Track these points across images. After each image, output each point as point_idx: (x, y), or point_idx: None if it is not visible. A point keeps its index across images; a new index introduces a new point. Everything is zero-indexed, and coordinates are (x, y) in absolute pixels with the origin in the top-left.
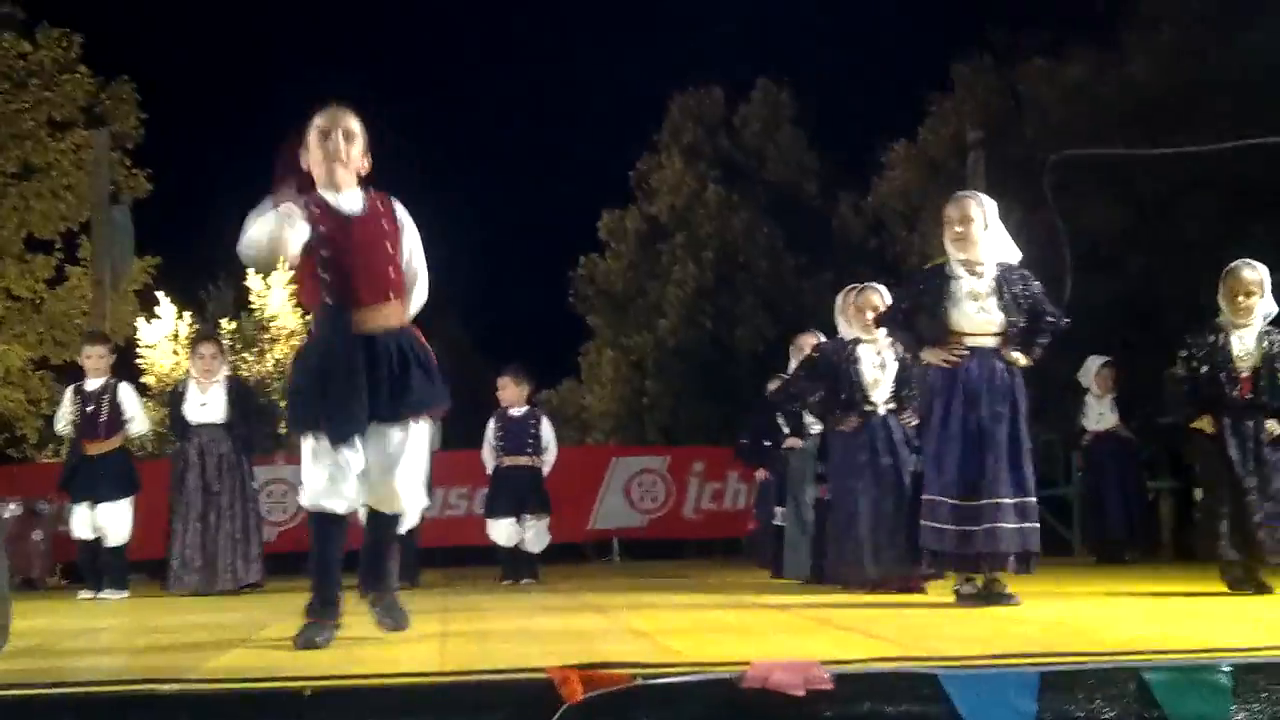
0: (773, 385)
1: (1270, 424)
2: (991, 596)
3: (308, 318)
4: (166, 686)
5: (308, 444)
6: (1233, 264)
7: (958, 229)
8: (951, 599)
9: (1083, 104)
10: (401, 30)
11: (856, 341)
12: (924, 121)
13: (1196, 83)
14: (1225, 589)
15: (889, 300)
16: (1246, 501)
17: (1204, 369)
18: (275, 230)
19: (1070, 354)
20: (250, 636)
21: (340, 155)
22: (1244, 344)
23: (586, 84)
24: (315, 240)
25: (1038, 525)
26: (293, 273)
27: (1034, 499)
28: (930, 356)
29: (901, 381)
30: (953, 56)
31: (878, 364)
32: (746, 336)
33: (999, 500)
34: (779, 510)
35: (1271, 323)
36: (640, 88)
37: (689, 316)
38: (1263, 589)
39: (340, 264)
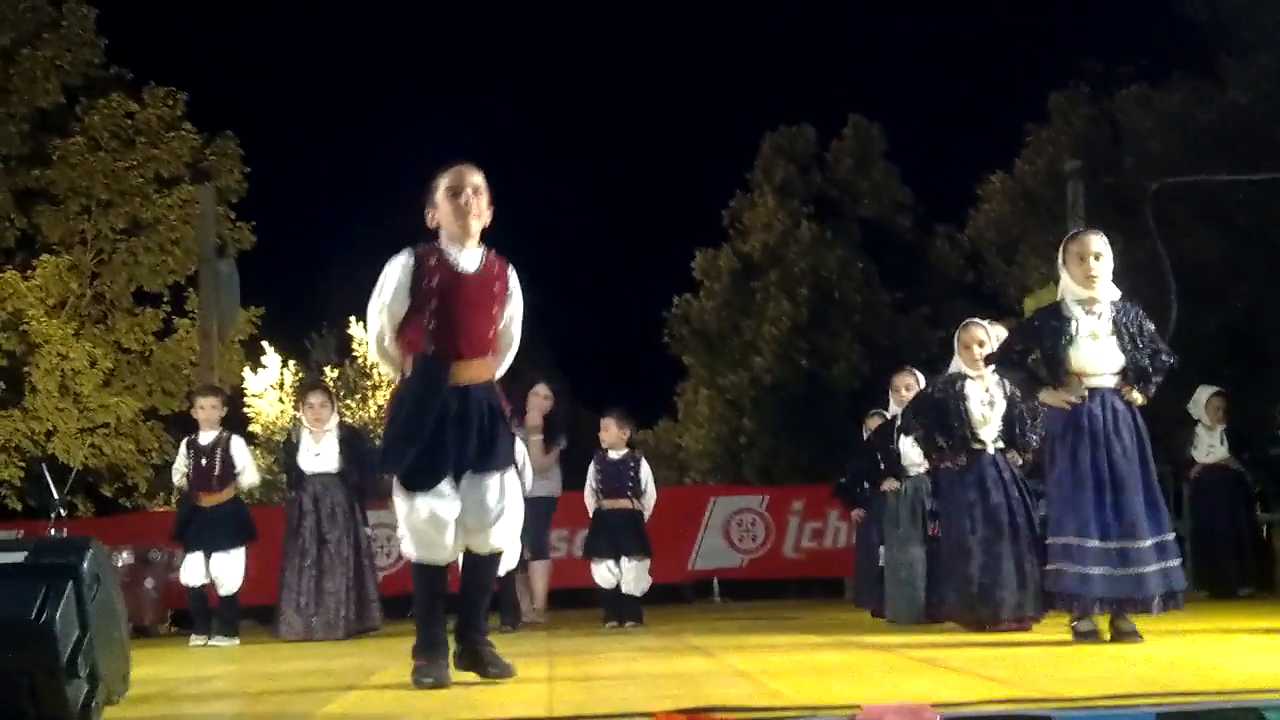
0: (872, 424)
1: None
2: (1117, 635)
3: (406, 366)
4: None
5: (400, 493)
6: None
7: (1091, 267)
8: (1063, 636)
9: (1181, 132)
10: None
11: (964, 378)
12: (1020, 153)
13: None
14: None
15: (993, 335)
16: None
17: None
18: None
19: (1177, 387)
20: (361, 682)
21: (472, 211)
22: None
23: (679, 125)
24: (427, 292)
25: (1179, 562)
26: None
27: (1172, 536)
28: (1050, 399)
29: (1009, 420)
30: (1049, 87)
31: (986, 401)
32: (842, 373)
33: (1140, 543)
34: (881, 551)
35: None
36: (732, 127)
37: (784, 354)
38: None
39: (448, 317)
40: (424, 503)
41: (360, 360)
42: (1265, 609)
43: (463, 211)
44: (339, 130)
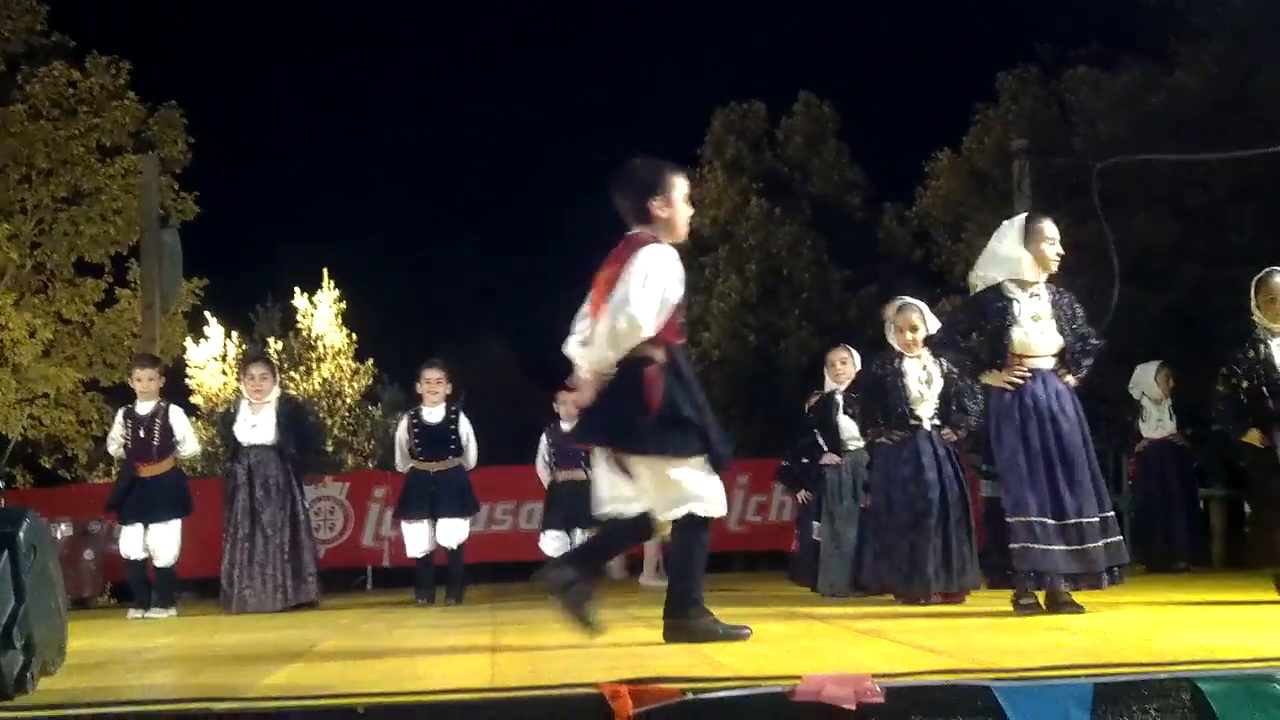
0: (811, 402)
1: None
2: (1058, 606)
3: (648, 352)
4: (221, 705)
5: (702, 465)
6: (1264, 272)
7: (1057, 249)
8: (1003, 608)
9: (1130, 114)
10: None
11: (902, 356)
12: (968, 131)
13: (1245, 92)
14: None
15: (929, 317)
16: None
17: (1246, 384)
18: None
19: (1121, 367)
20: (303, 653)
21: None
22: None
23: (628, 99)
24: (682, 284)
25: (1120, 537)
26: (337, 292)
27: (1112, 513)
28: (993, 380)
29: (945, 398)
30: (998, 67)
31: (923, 379)
32: (791, 350)
33: (1090, 519)
34: (816, 525)
35: None
36: (682, 103)
37: (733, 330)
38: None
39: (683, 310)
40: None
41: (304, 333)
42: (1202, 582)
43: (687, 219)
44: (284, 100)
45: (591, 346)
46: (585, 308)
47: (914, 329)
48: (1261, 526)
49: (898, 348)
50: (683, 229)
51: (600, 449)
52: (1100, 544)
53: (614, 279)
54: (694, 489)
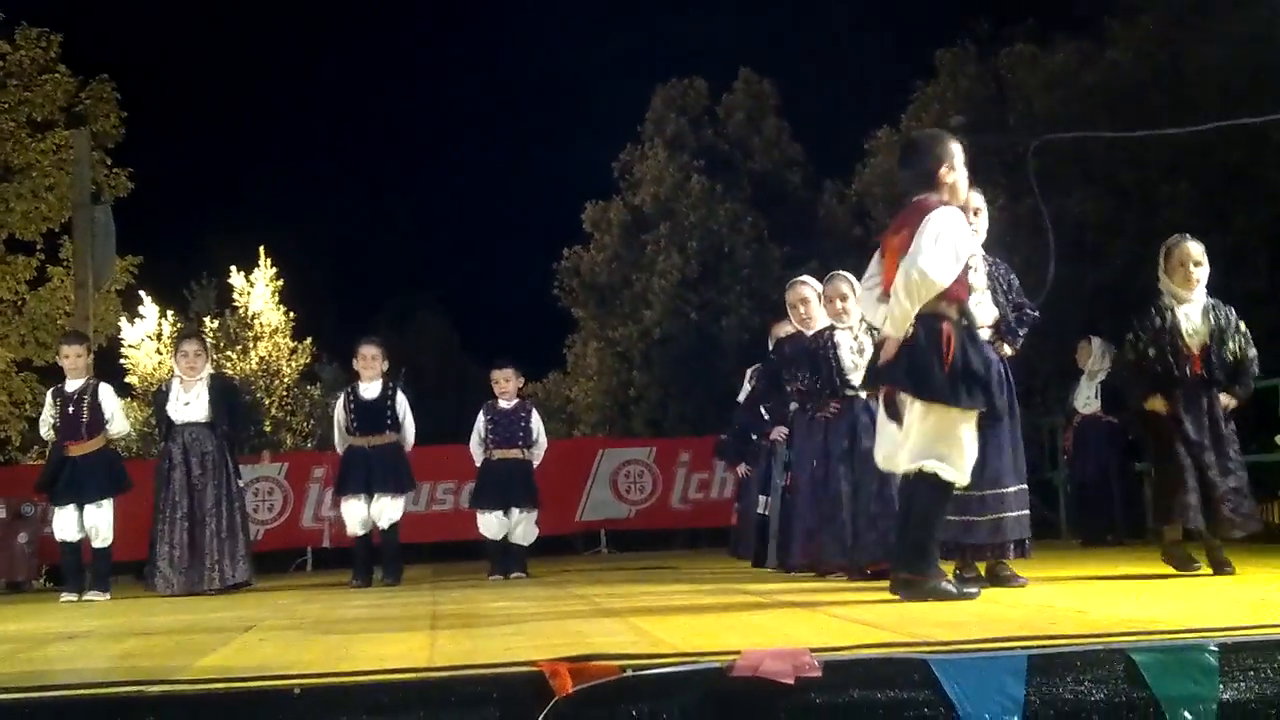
0: (750, 378)
1: (1224, 398)
2: (998, 580)
3: (943, 309)
4: (154, 688)
5: (972, 421)
6: (1175, 237)
7: (974, 220)
8: None
9: (1065, 92)
10: (383, 26)
11: (833, 329)
12: (907, 109)
13: (1178, 71)
14: (1208, 570)
15: (858, 287)
16: (1209, 477)
17: (1152, 350)
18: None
19: (1055, 341)
20: (239, 635)
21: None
22: (1191, 320)
23: (569, 76)
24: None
25: (1028, 511)
26: (275, 270)
27: (1025, 486)
28: None
29: None
30: (936, 44)
31: (856, 349)
32: (732, 327)
33: (1005, 490)
34: (763, 499)
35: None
36: (623, 79)
37: (674, 307)
38: (1223, 568)
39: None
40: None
41: (241, 311)
42: (1136, 556)
43: (968, 185)
44: (220, 75)
45: (891, 303)
46: (874, 267)
47: (843, 298)
48: (1166, 484)
49: (829, 318)
50: (964, 193)
51: (881, 397)
52: (1014, 515)
53: (907, 242)
54: (950, 447)
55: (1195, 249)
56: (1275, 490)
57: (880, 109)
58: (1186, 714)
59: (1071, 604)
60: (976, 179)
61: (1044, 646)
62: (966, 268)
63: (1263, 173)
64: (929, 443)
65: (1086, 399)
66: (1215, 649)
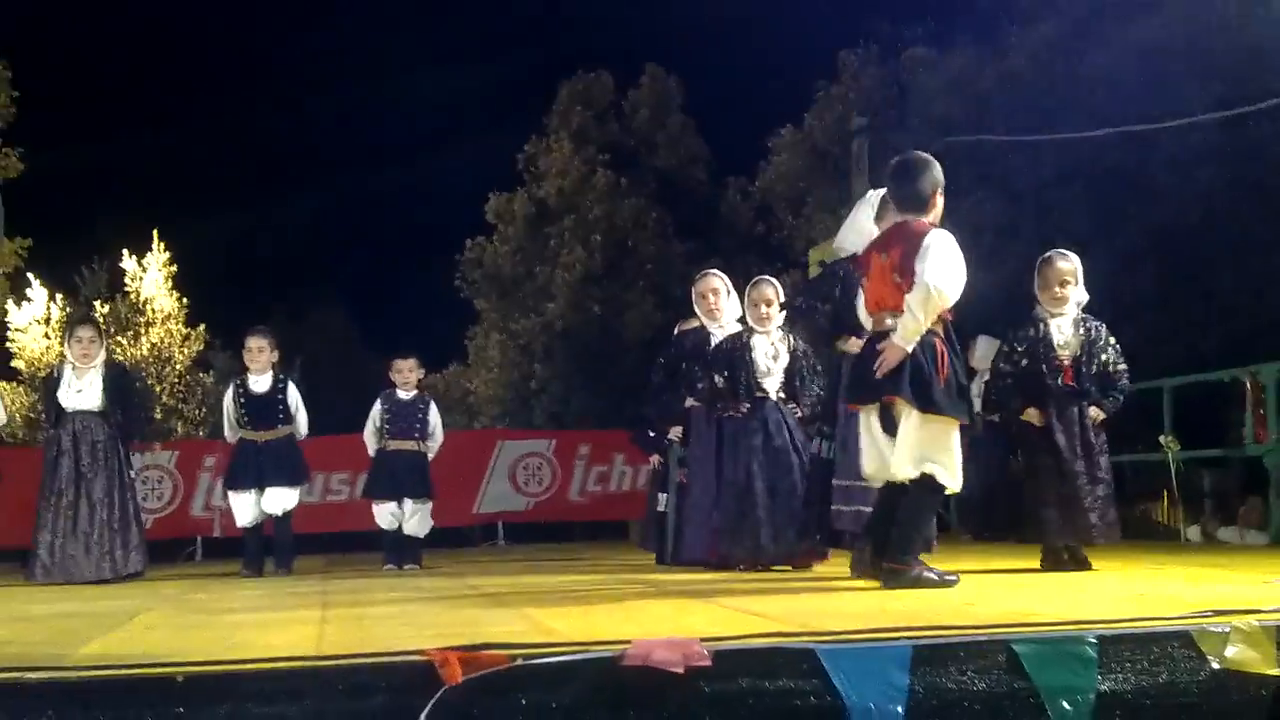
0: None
1: (1093, 410)
2: None
3: (933, 326)
4: (34, 674)
5: (957, 431)
6: (1046, 255)
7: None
8: (838, 574)
9: (963, 96)
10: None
11: (751, 332)
12: (810, 108)
13: (1075, 76)
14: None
15: (782, 293)
16: (1077, 487)
17: (1025, 361)
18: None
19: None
20: (124, 623)
21: None
22: (1063, 333)
23: (475, 68)
24: None
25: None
26: (168, 255)
27: None
28: (849, 346)
29: (792, 373)
30: (841, 44)
31: (770, 354)
32: (635, 321)
33: None
34: (662, 496)
35: (1084, 310)
36: (528, 72)
37: (577, 301)
38: (1083, 565)
39: None
40: None
41: (133, 296)
42: (1022, 551)
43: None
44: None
45: (905, 317)
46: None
47: (768, 303)
48: (1033, 502)
49: (751, 322)
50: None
51: (865, 414)
52: None
53: (901, 260)
54: (945, 455)
55: (1064, 267)
56: (1161, 490)
57: (783, 108)
58: (1065, 704)
59: (958, 596)
60: (877, 179)
61: (929, 637)
62: None
63: (1153, 179)
64: (926, 450)
65: (974, 398)
66: (1094, 641)
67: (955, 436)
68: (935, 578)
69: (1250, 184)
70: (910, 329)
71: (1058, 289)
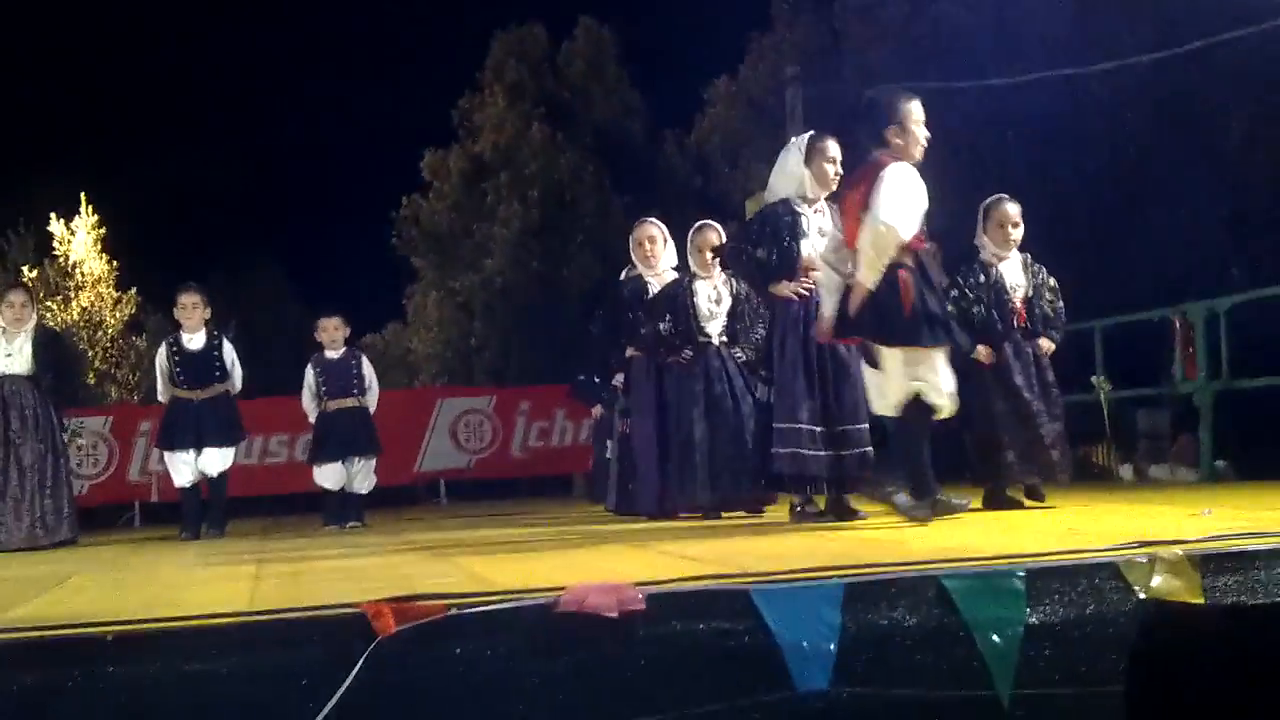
0: (595, 325)
1: (1043, 342)
2: (843, 514)
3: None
4: None
5: (943, 354)
6: (993, 199)
7: (837, 168)
8: (776, 519)
9: (897, 43)
10: None
11: (694, 277)
12: (744, 59)
13: (1006, 21)
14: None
15: (724, 237)
16: (1038, 425)
17: (978, 307)
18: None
19: None
20: (56, 586)
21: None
22: (1013, 276)
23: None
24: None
25: (871, 449)
26: (97, 217)
27: (868, 425)
28: (782, 290)
29: (734, 316)
30: None
31: (713, 298)
32: (574, 276)
33: (859, 426)
34: (609, 444)
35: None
36: (461, 25)
37: (516, 257)
38: (1038, 496)
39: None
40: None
41: (61, 260)
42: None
43: (923, 140)
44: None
45: (859, 256)
46: (829, 224)
47: (713, 248)
48: (984, 444)
49: (695, 267)
50: (916, 151)
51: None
52: (856, 452)
53: (864, 197)
54: (931, 374)
55: (1013, 210)
56: (1095, 431)
57: (719, 59)
58: (994, 636)
59: (894, 535)
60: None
61: (860, 575)
62: (923, 217)
63: (1084, 124)
64: (909, 375)
65: None
66: (1023, 575)
67: (939, 358)
68: (957, 504)
69: (1180, 125)
70: (866, 266)
71: (1010, 230)
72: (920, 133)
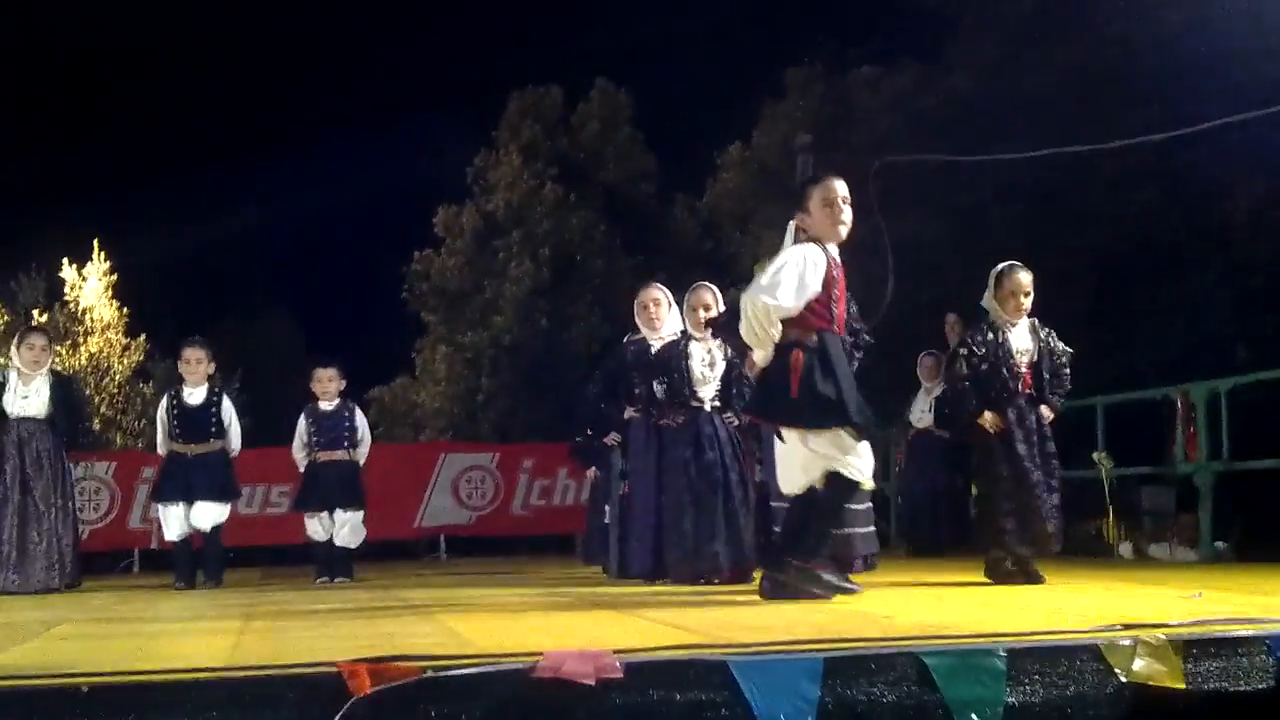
0: (594, 385)
1: (1044, 410)
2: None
3: (797, 337)
4: None
5: (850, 435)
6: (1005, 266)
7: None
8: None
9: (907, 114)
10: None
11: (689, 339)
12: (757, 125)
13: (1015, 97)
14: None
15: (719, 299)
16: (1036, 495)
17: (984, 366)
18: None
19: (892, 356)
20: (40, 634)
21: (846, 219)
22: (1021, 340)
23: (424, 80)
24: (829, 281)
25: (874, 528)
26: (109, 264)
27: (870, 504)
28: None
29: (727, 382)
30: (787, 62)
31: (707, 361)
32: (581, 336)
33: (855, 507)
34: (607, 508)
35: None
36: (478, 86)
37: (524, 315)
38: (1035, 578)
39: (837, 302)
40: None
41: (71, 305)
42: (958, 565)
43: (838, 220)
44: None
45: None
46: None
47: (706, 308)
48: (988, 509)
49: (689, 327)
50: (831, 230)
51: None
52: (863, 531)
53: None
54: (838, 455)
55: (1025, 278)
56: (1096, 508)
57: (732, 124)
58: (974, 716)
59: (878, 609)
60: None
61: (839, 650)
62: (829, 297)
63: (1089, 198)
64: (814, 452)
65: (921, 413)
66: (1004, 654)
67: (845, 437)
68: (819, 590)
69: (1184, 206)
70: (753, 344)
71: (1022, 299)
72: (832, 214)
